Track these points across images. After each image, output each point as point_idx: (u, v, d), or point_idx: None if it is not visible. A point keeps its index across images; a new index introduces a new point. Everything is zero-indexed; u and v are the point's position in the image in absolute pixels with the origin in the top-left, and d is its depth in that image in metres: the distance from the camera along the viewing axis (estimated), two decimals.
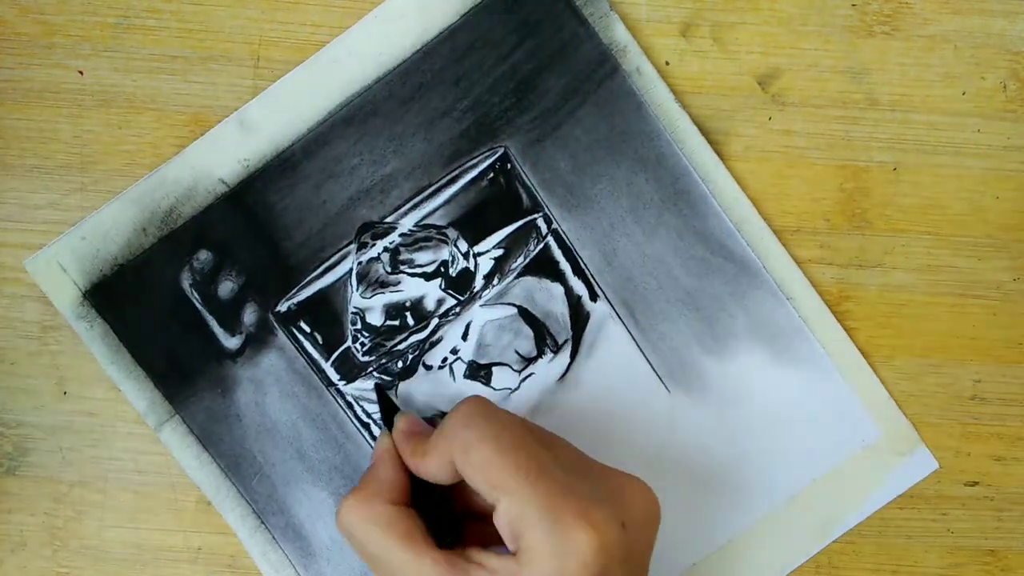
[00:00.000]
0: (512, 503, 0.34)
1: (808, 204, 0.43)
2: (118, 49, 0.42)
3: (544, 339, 0.43)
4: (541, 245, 0.43)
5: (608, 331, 0.43)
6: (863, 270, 0.43)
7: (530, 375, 0.43)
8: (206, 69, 0.42)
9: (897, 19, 0.43)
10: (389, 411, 0.41)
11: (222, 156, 0.42)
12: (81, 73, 0.42)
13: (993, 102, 0.43)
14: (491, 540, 0.36)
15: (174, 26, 0.42)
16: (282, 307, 0.42)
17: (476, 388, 0.43)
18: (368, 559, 0.36)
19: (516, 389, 0.43)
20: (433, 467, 0.36)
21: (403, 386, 0.43)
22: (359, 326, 0.42)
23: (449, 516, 0.37)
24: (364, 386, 0.43)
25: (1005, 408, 0.44)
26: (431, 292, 0.42)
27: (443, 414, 0.43)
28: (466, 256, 0.43)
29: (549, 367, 0.43)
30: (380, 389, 0.42)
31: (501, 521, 0.34)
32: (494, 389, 0.43)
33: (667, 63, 0.43)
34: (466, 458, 0.35)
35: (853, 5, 0.43)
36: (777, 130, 0.43)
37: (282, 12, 0.43)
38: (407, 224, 0.42)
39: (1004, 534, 0.44)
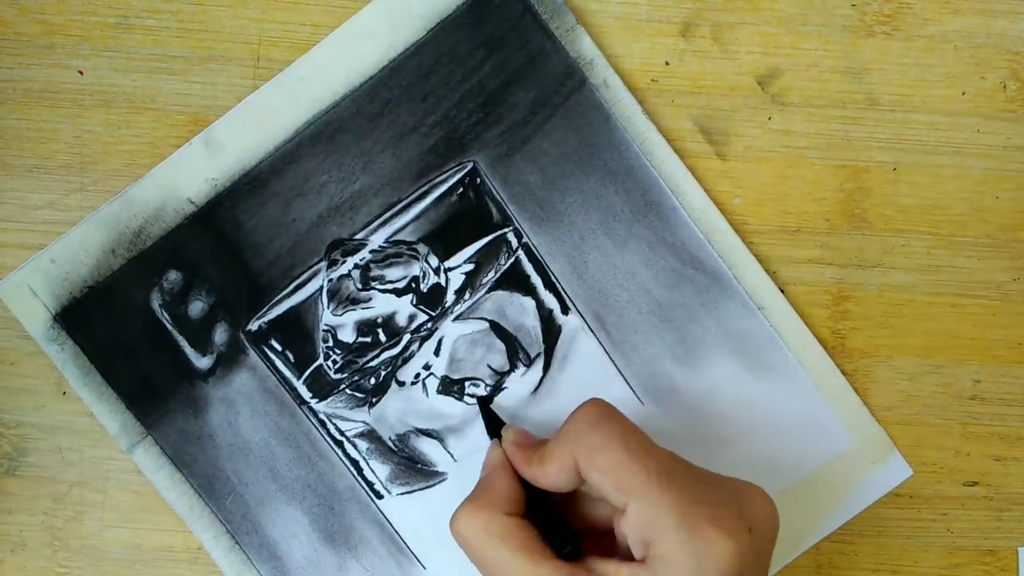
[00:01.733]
0: (643, 508, 0.33)
1: (808, 204, 0.43)
2: (118, 49, 0.42)
3: (516, 353, 0.43)
4: (512, 259, 0.43)
5: (580, 344, 0.43)
6: (863, 270, 0.43)
7: (503, 389, 0.43)
8: (206, 69, 0.42)
9: (897, 19, 0.43)
10: (495, 423, 0.40)
11: (190, 176, 0.42)
12: (81, 73, 0.42)
13: (993, 102, 0.43)
14: (606, 554, 0.35)
15: (174, 26, 0.42)
16: (253, 326, 0.42)
17: (449, 403, 0.43)
18: (484, 568, 0.35)
19: (489, 403, 0.43)
20: (553, 474, 0.35)
21: (377, 403, 0.43)
22: (331, 343, 0.42)
23: (565, 527, 0.36)
24: (336, 404, 0.42)
25: (1005, 408, 0.44)
26: (403, 308, 0.42)
27: (417, 430, 0.43)
28: (437, 271, 0.42)
29: (522, 381, 0.43)
30: (484, 402, 0.42)
31: (630, 527, 0.33)
32: (467, 404, 0.43)
33: (667, 63, 0.43)
34: (593, 462, 0.34)
35: (853, 5, 0.43)
36: (777, 130, 0.43)
37: (282, 12, 0.43)
38: (377, 240, 0.42)
39: (1004, 534, 0.44)
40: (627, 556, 0.35)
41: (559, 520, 0.36)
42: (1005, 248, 0.43)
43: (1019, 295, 0.43)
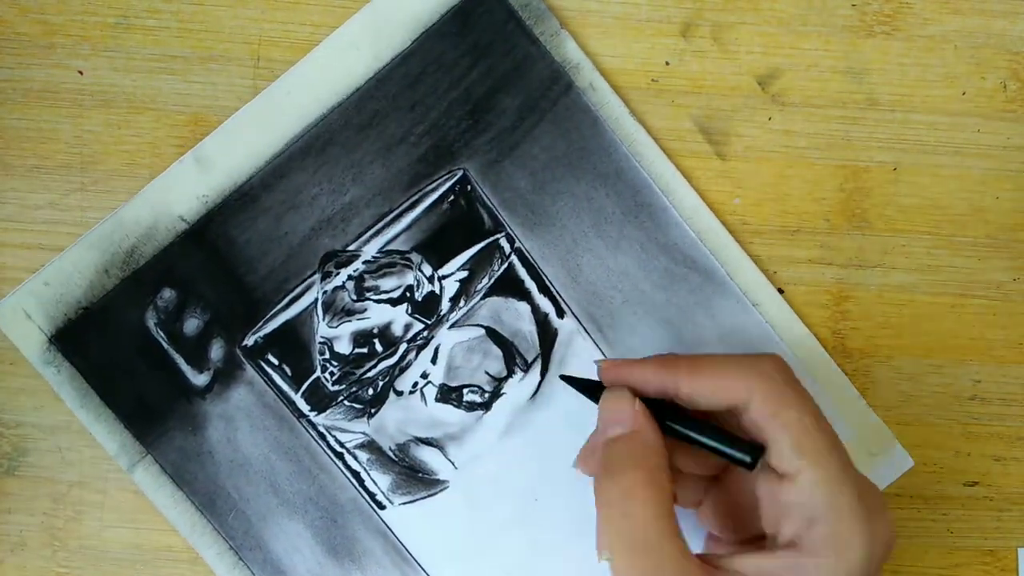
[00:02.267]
0: (821, 479, 0.31)
1: (808, 204, 0.43)
2: (118, 49, 0.42)
3: (513, 358, 0.43)
4: (505, 265, 0.43)
5: (577, 347, 0.43)
6: (863, 270, 0.43)
7: (502, 395, 0.43)
8: (206, 69, 0.42)
9: (897, 19, 0.43)
10: (591, 385, 0.37)
11: (180, 193, 0.42)
12: (81, 73, 0.42)
13: (993, 102, 0.43)
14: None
15: (174, 26, 0.42)
16: (249, 341, 0.42)
17: (448, 411, 0.43)
18: (620, 537, 0.32)
19: (488, 410, 0.43)
20: (709, 389, 0.33)
21: (375, 414, 0.42)
22: (327, 356, 0.42)
23: (732, 435, 0.34)
24: (335, 416, 0.42)
25: (1005, 408, 0.44)
26: (398, 317, 0.42)
27: (417, 439, 0.43)
28: (431, 280, 0.43)
29: (520, 386, 0.43)
30: (568, 378, 0.38)
31: (799, 495, 0.31)
32: (466, 411, 0.43)
33: (667, 63, 0.43)
34: (781, 413, 0.32)
35: (853, 5, 0.43)
36: (777, 130, 0.43)
37: (282, 12, 0.43)
38: (370, 251, 0.42)
39: (1004, 534, 0.44)
40: (728, 524, 0.33)
41: (721, 431, 0.33)
42: (1005, 248, 0.43)
43: (1019, 295, 0.44)
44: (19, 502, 0.42)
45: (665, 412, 0.35)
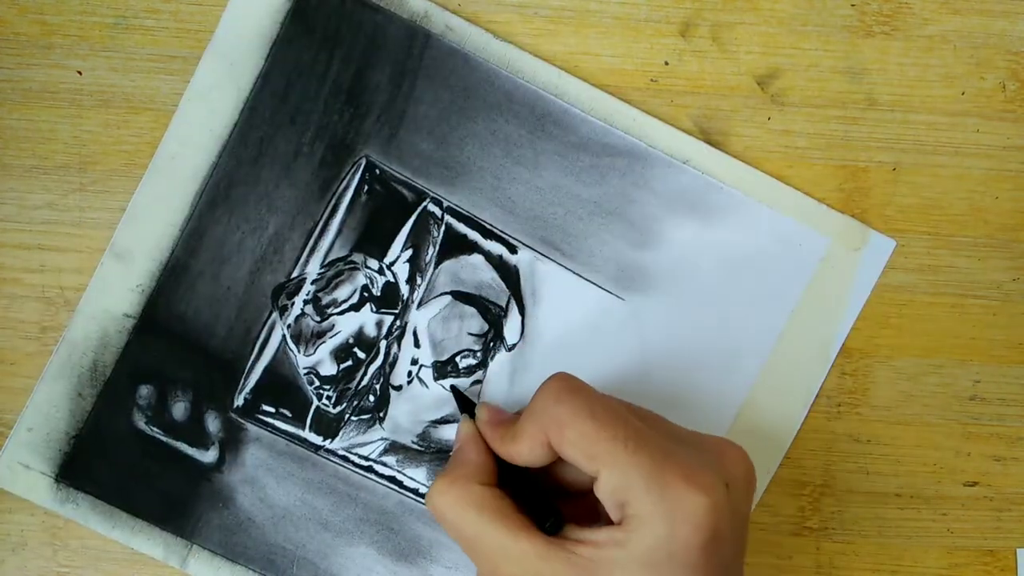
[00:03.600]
0: (615, 473, 0.33)
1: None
2: (117, 49, 0.42)
3: (488, 309, 0.43)
4: (443, 227, 0.43)
5: (541, 273, 0.43)
6: None
7: (493, 347, 0.43)
8: None
9: (897, 19, 0.43)
10: (467, 404, 0.40)
11: (115, 293, 0.42)
12: (80, 73, 0.42)
13: (993, 102, 0.43)
14: (587, 518, 0.35)
15: (173, 26, 0.42)
16: (238, 401, 0.42)
17: (450, 383, 0.43)
18: (463, 541, 0.35)
19: (486, 368, 0.43)
20: (526, 450, 0.36)
21: (385, 416, 0.43)
22: (317, 383, 0.42)
23: (545, 500, 0.36)
24: (349, 435, 0.42)
25: (1005, 408, 0.44)
26: (367, 320, 0.42)
27: (433, 422, 0.43)
28: (381, 271, 0.42)
29: (507, 333, 0.43)
30: (455, 389, 0.42)
31: (604, 492, 0.34)
32: (467, 376, 0.43)
33: (666, 63, 0.43)
34: (562, 435, 0.34)
35: (853, 5, 0.43)
36: (777, 130, 0.43)
37: None
38: (313, 270, 0.42)
39: (1004, 534, 0.44)
40: (609, 518, 0.35)
41: (538, 493, 0.36)
42: (1005, 248, 0.43)
43: (1019, 295, 0.44)
44: (20, 502, 0.42)
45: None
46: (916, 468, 0.44)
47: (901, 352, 0.44)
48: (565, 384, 0.36)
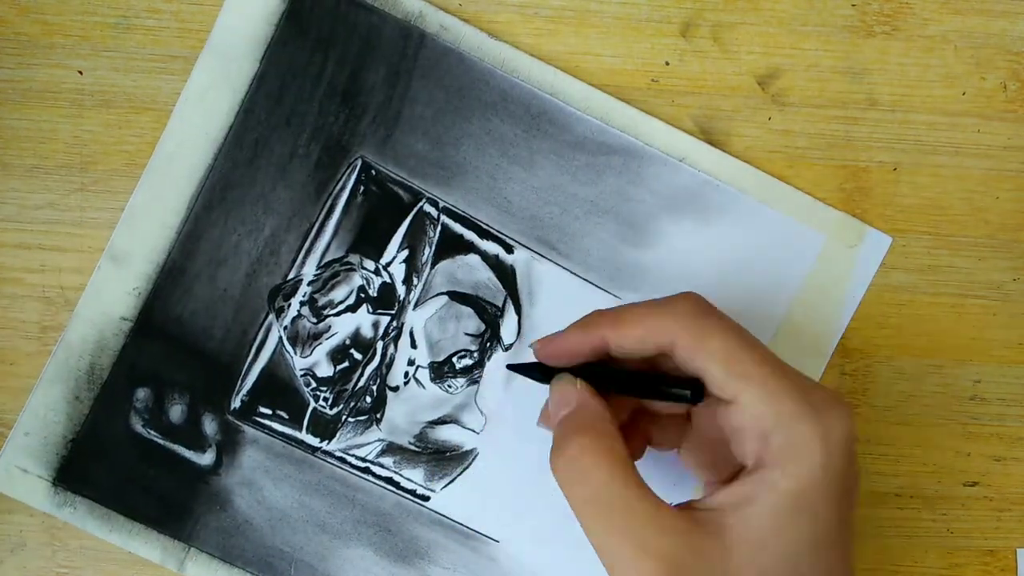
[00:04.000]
0: (762, 396, 0.31)
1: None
2: (118, 49, 0.42)
3: (484, 310, 0.43)
4: (439, 228, 0.43)
5: (538, 273, 0.43)
6: None
7: (489, 348, 0.43)
8: None
9: (897, 19, 0.43)
10: (539, 369, 0.38)
11: (112, 297, 0.42)
12: (81, 73, 0.42)
13: (993, 102, 0.43)
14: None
15: (174, 26, 0.42)
16: (235, 404, 0.42)
17: (447, 384, 0.43)
18: (584, 503, 0.32)
19: (483, 368, 0.43)
20: (638, 335, 0.34)
21: (382, 418, 0.42)
22: (314, 385, 0.42)
23: (669, 378, 0.35)
24: (346, 437, 0.42)
25: (1005, 408, 0.44)
26: (363, 321, 0.42)
27: (430, 423, 0.43)
28: (377, 272, 0.42)
29: (504, 333, 0.43)
30: (514, 366, 0.40)
31: (745, 417, 0.32)
32: (464, 376, 0.43)
33: (667, 63, 0.43)
34: (705, 345, 0.33)
35: (853, 5, 0.43)
36: (777, 130, 0.43)
37: None
38: (309, 271, 0.42)
39: (1004, 534, 0.44)
40: (711, 464, 0.34)
41: (660, 377, 0.34)
42: (1005, 248, 0.43)
43: (1019, 295, 0.43)
44: (19, 502, 0.42)
45: (608, 382, 0.36)
46: (916, 468, 0.44)
47: (901, 352, 0.43)
48: (707, 303, 0.34)
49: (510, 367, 0.40)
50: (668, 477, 0.42)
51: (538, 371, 0.38)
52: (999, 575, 0.44)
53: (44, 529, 0.42)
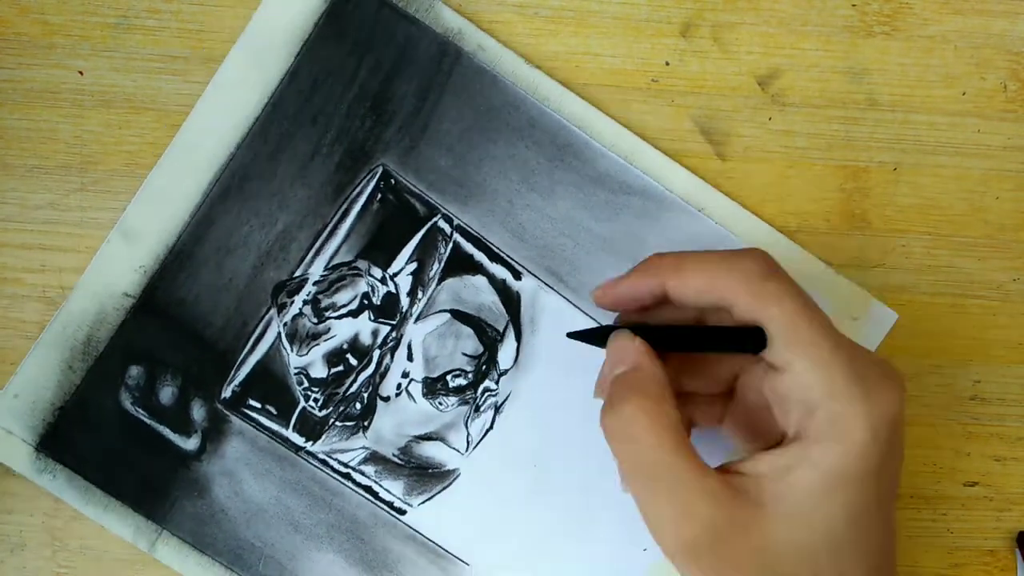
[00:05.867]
0: (813, 366, 0.31)
1: (808, 204, 0.43)
2: (118, 49, 0.42)
3: (484, 332, 0.43)
4: (451, 245, 0.42)
5: (543, 302, 0.43)
6: (863, 270, 0.43)
7: (485, 371, 0.42)
8: (206, 69, 0.42)
9: (897, 19, 0.43)
10: (595, 332, 0.37)
11: (118, 271, 0.42)
12: (81, 73, 0.42)
13: (993, 102, 0.43)
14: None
15: (174, 26, 0.42)
16: (226, 393, 0.42)
17: (438, 401, 0.42)
18: (632, 464, 0.32)
19: (476, 389, 0.42)
20: (697, 285, 0.33)
21: (369, 426, 0.42)
22: (306, 384, 0.42)
23: (728, 328, 0.34)
24: (331, 440, 0.42)
25: (1005, 408, 0.44)
26: (363, 327, 0.42)
27: (417, 438, 0.43)
28: (384, 281, 0.42)
29: (501, 358, 0.43)
30: (573, 334, 0.37)
31: (794, 386, 0.32)
32: (456, 395, 0.43)
33: (667, 63, 0.43)
34: (766, 306, 0.32)
35: (853, 5, 0.43)
36: (777, 130, 0.43)
37: None
38: (317, 271, 0.42)
39: (1004, 534, 0.44)
40: (752, 431, 0.34)
41: (714, 329, 0.34)
42: (1005, 248, 0.43)
43: (1019, 295, 0.43)
44: (19, 502, 0.42)
45: (667, 341, 0.36)
46: (916, 468, 0.43)
47: (901, 352, 0.43)
48: (773, 261, 0.34)
49: (571, 335, 0.37)
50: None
51: (597, 337, 0.37)
52: (999, 575, 0.44)
53: (44, 529, 0.42)
